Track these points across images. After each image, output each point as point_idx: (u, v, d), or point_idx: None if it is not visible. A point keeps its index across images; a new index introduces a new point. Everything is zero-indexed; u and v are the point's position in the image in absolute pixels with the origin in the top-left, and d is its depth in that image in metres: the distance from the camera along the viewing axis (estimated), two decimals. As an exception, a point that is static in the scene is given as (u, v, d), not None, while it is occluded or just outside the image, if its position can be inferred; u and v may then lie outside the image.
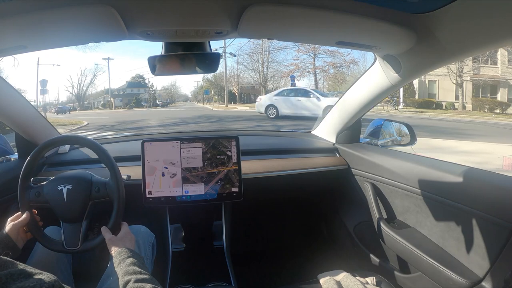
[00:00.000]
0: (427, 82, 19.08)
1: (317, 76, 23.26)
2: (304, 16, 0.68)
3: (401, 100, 17.35)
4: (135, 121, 13.35)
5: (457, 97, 18.02)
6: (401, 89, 16.84)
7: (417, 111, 15.93)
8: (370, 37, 0.81)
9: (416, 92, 19.16)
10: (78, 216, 0.88)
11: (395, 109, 16.02)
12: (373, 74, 1.11)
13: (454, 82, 17.29)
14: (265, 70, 25.67)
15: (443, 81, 18.14)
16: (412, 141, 1.35)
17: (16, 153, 1.26)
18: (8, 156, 1.25)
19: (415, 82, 18.63)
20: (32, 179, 0.91)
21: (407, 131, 1.37)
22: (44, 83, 14.60)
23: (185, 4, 0.63)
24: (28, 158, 0.89)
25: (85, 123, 13.45)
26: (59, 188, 0.88)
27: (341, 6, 0.66)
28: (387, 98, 18.66)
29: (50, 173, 1.20)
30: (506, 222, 0.79)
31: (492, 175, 0.93)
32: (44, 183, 0.90)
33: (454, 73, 17.20)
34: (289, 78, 21.63)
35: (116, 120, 14.48)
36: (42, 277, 0.44)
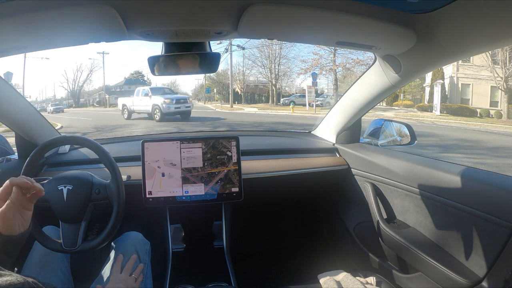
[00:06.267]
0: (460, 85, 17.07)
1: (337, 75, 19.76)
2: (304, 16, 0.68)
3: (438, 107, 15.52)
4: (114, 127, 10.97)
5: (493, 104, 15.98)
6: (438, 93, 15.46)
7: (457, 121, 13.42)
8: (370, 37, 0.81)
9: (448, 96, 17.08)
10: (77, 216, 0.88)
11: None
12: (373, 74, 1.11)
13: (502, 88, 14.92)
14: (276, 66, 22.75)
15: (478, 85, 16.31)
16: (412, 141, 1.35)
17: (16, 154, 1.26)
18: (8, 157, 1.25)
19: (447, 84, 17.02)
20: (32, 179, 0.91)
21: (407, 131, 1.37)
22: (8, 76, 11.97)
23: (185, 4, 0.63)
24: (29, 157, 0.89)
25: (59, 125, 11.90)
26: (59, 188, 0.88)
27: (341, 6, 0.66)
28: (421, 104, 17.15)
29: (50, 173, 1.20)
30: (506, 222, 0.79)
31: (492, 175, 0.93)
32: (45, 182, 0.90)
33: (501, 78, 14.82)
34: (310, 76, 18.53)
35: (96, 124, 12.38)
36: (11, 278, 0.41)
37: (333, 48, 17.85)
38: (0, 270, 0.44)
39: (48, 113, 21.89)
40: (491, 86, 16.09)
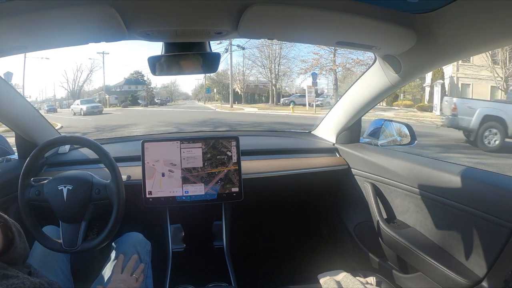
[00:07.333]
0: (460, 85, 16.79)
1: (337, 75, 19.73)
2: (304, 16, 0.68)
3: (438, 107, 14.97)
4: (115, 127, 10.98)
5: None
6: (438, 93, 15.40)
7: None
8: (370, 37, 0.81)
9: (448, 96, 16.32)
10: (77, 216, 0.88)
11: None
12: (373, 74, 1.11)
13: (502, 88, 14.58)
14: (276, 66, 22.73)
15: (478, 85, 16.05)
16: (412, 141, 1.35)
17: (16, 154, 1.26)
18: (8, 157, 1.25)
19: (447, 84, 16.82)
20: (32, 178, 0.92)
21: (407, 131, 1.37)
22: (8, 76, 11.65)
23: (185, 4, 0.63)
24: (29, 157, 0.89)
25: (59, 125, 11.76)
26: (59, 188, 0.88)
27: (341, 6, 0.66)
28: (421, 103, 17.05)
29: (50, 173, 1.20)
30: (506, 222, 0.79)
31: (492, 175, 0.93)
32: (45, 182, 0.90)
33: (501, 78, 14.65)
34: (310, 76, 18.26)
35: (96, 124, 12.33)
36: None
37: (333, 48, 17.66)
38: (7, 271, 0.43)
39: (45, 113, 21.81)
40: (491, 86, 15.96)
